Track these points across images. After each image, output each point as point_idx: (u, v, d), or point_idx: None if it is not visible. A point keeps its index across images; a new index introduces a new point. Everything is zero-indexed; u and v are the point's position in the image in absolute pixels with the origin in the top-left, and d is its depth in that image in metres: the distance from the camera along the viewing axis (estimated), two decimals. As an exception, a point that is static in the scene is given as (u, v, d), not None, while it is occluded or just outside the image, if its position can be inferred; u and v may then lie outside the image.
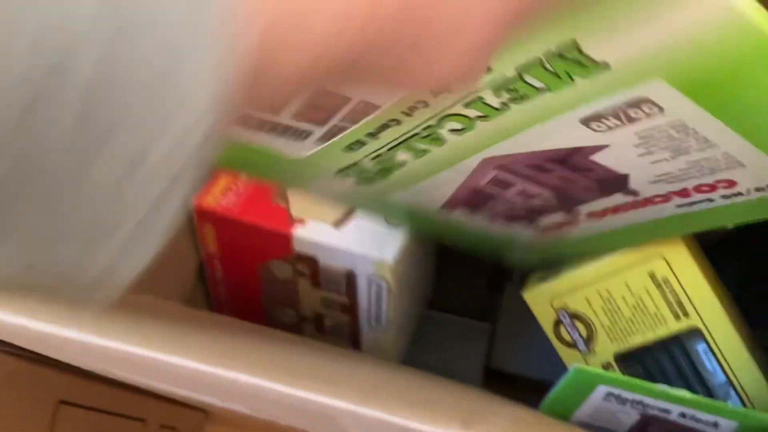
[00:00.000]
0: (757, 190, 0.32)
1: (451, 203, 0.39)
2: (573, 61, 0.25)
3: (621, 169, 0.32)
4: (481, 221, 0.41)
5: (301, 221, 0.45)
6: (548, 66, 0.25)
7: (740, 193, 0.32)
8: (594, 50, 0.24)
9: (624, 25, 0.23)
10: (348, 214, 0.45)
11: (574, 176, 0.34)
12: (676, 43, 0.23)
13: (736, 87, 0.25)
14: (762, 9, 0.21)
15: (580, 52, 0.24)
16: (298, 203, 0.46)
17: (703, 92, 0.26)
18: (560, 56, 0.25)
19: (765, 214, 0.34)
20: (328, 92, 0.28)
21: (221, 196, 0.47)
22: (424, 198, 0.39)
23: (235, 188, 0.47)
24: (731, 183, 0.31)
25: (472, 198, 0.38)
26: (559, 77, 0.26)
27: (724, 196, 0.33)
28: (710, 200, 0.33)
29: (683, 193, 0.34)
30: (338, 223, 0.45)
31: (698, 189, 0.33)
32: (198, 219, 0.47)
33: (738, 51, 0.23)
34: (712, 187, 0.32)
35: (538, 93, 0.27)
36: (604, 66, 0.25)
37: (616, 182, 0.33)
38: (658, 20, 0.22)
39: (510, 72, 0.26)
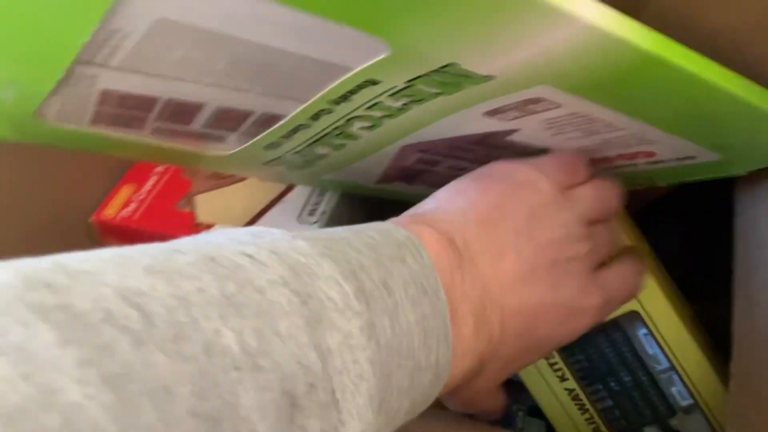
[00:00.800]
0: (678, 159, 0.32)
1: (385, 179, 0.40)
2: (458, 75, 0.25)
3: (539, 144, 0.33)
4: (421, 189, 0.41)
5: (209, 226, 0.42)
6: (435, 78, 0.26)
7: (661, 161, 0.33)
8: (476, 67, 0.25)
9: (499, 48, 0.23)
10: (258, 215, 0.42)
11: (497, 152, 0.35)
12: (551, 58, 0.23)
13: (620, 85, 0.25)
14: (619, 15, 0.22)
15: (463, 69, 0.25)
16: (205, 208, 0.43)
17: (592, 91, 0.26)
18: (444, 73, 0.25)
19: (692, 177, 0.34)
20: (228, 108, 0.29)
21: (122, 207, 0.43)
22: (357, 176, 0.40)
23: (136, 198, 0.44)
24: (650, 154, 0.32)
25: (405, 174, 0.39)
26: (448, 84, 0.26)
27: (647, 163, 0.34)
28: (634, 165, 0.34)
29: (605, 161, 0.35)
30: (248, 225, 0.42)
31: (620, 157, 0.34)
32: (100, 233, 0.44)
33: (609, 58, 0.23)
34: (633, 156, 0.34)
35: (433, 96, 0.27)
36: (490, 77, 0.25)
37: (539, 153, 0.34)
38: (530, 42, 0.23)
39: (401, 83, 0.26)
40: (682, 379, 0.40)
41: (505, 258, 0.29)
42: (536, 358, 0.32)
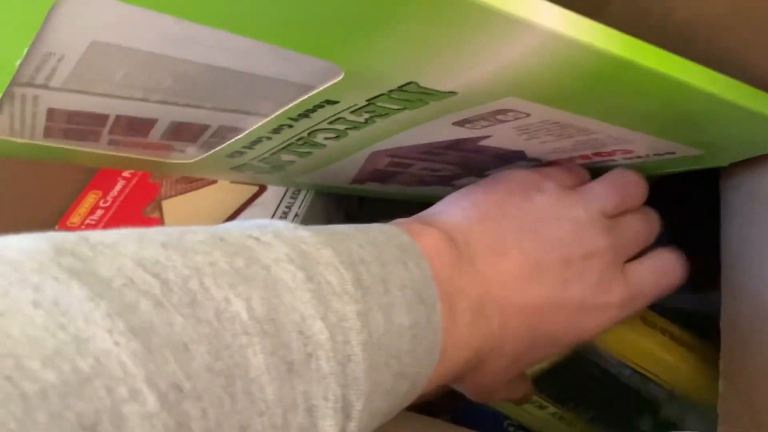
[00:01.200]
0: (656, 155, 0.31)
1: (358, 180, 0.39)
2: (419, 93, 0.24)
3: (513, 148, 0.32)
4: (396, 188, 0.41)
5: (179, 232, 0.41)
6: (396, 96, 0.25)
7: (639, 157, 0.32)
8: (436, 85, 0.24)
9: (459, 65, 0.22)
10: (229, 219, 0.42)
11: (470, 155, 0.33)
12: (515, 70, 0.22)
13: (589, 92, 0.24)
14: (582, 19, 0.21)
15: (422, 87, 0.24)
16: (173, 213, 0.42)
17: (560, 100, 0.25)
18: (404, 91, 0.24)
19: (674, 169, 0.34)
20: (183, 122, 0.28)
21: (88, 215, 0.42)
22: (330, 178, 0.39)
23: (103, 205, 0.43)
24: (627, 151, 0.31)
25: (377, 175, 0.38)
26: (411, 101, 0.25)
27: (625, 159, 0.33)
28: (613, 160, 0.33)
29: (584, 157, 0.34)
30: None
31: (597, 155, 0.33)
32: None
33: (575, 65, 0.22)
34: (611, 154, 0.32)
35: (397, 111, 0.26)
36: (452, 93, 0.24)
37: (514, 154, 0.33)
38: (491, 56, 0.21)
39: (361, 102, 0.25)
40: (651, 379, 0.39)
41: (508, 256, 0.29)
42: (550, 352, 0.32)
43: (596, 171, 0.34)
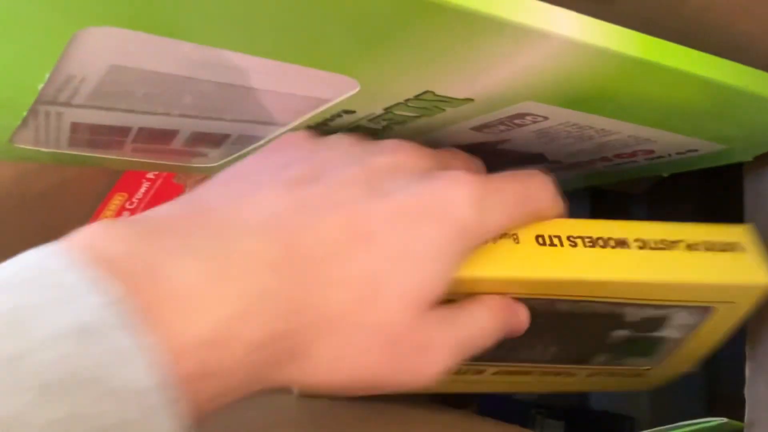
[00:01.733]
0: (678, 153, 0.31)
1: None
2: (435, 101, 0.25)
3: (533, 151, 0.32)
4: None
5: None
6: (413, 105, 0.25)
7: (661, 156, 0.32)
8: (452, 93, 0.24)
9: (475, 73, 0.22)
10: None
11: (489, 158, 0.33)
12: (532, 76, 0.23)
13: (607, 94, 0.24)
14: (597, 23, 0.21)
15: (439, 95, 0.24)
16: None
17: (577, 102, 0.25)
18: (421, 100, 0.25)
19: (696, 166, 0.33)
20: (205, 132, 0.29)
21: (115, 217, 0.43)
22: None
23: (129, 207, 0.44)
24: (648, 151, 0.31)
25: None
26: (428, 109, 0.26)
27: (647, 159, 0.33)
28: (635, 161, 0.33)
29: (605, 159, 0.34)
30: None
31: (618, 156, 0.33)
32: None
33: (593, 69, 0.22)
34: (632, 154, 0.32)
35: (414, 119, 0.27)
36: (468, 99, 0.25)
37: (534, 158, 0.33)
38: (506, 63, 0.22)
39: (378, 111, 0.26)
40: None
41: (259, 192, 0.23)
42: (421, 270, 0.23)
43: (616, 173, 0.34)
